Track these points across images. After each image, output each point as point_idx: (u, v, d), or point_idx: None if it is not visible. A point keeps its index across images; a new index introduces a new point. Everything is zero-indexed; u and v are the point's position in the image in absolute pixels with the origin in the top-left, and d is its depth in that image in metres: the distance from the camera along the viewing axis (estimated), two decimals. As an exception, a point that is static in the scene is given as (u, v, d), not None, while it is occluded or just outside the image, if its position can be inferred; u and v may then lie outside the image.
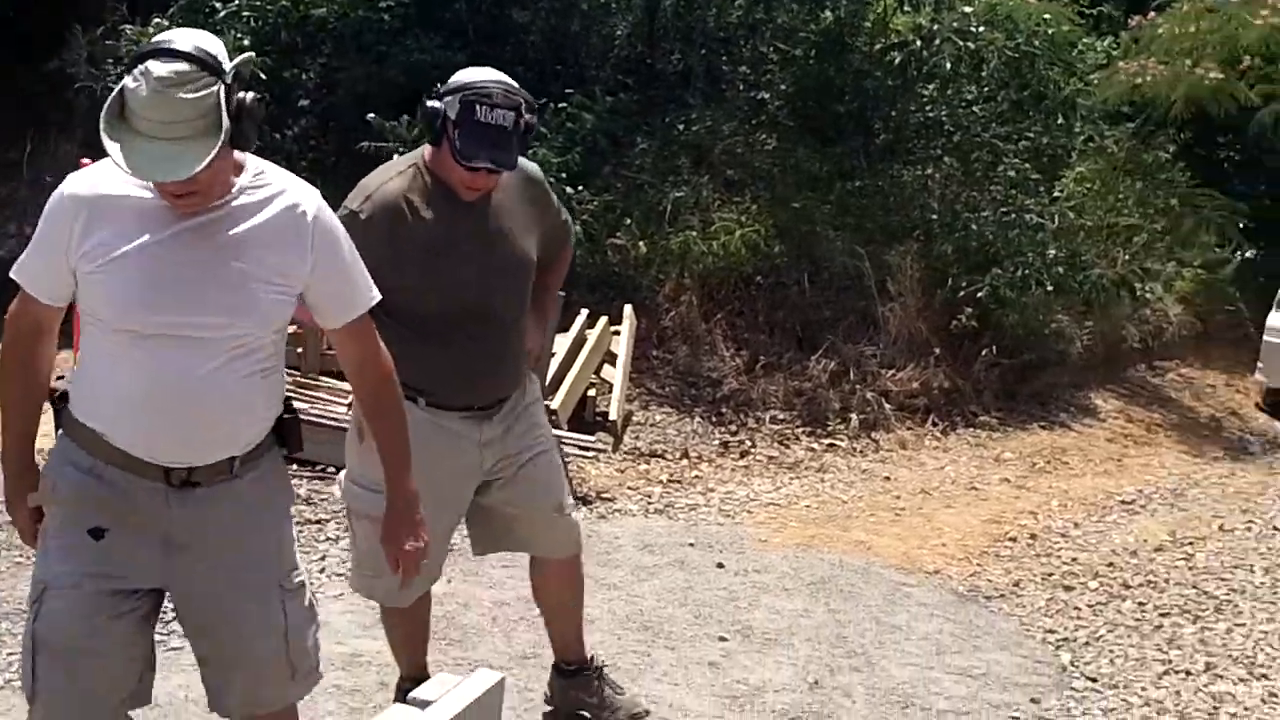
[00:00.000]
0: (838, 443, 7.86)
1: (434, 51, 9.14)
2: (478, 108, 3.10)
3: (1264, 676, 4.69)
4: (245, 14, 9.37)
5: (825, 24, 10.13)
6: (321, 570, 4.97)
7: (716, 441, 7.59)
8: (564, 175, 8.45)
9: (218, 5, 9.38)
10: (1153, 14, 10.76)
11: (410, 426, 2.74)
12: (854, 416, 8.06)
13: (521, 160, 3.31)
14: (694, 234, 8.61)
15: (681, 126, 9.59)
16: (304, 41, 9.62)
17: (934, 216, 9.54)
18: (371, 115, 8.41)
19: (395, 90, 9.05)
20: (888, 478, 7.34)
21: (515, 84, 3.21)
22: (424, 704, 1.76)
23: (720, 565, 5.42)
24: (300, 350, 6.82)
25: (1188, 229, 10.77)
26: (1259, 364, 10.76)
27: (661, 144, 9.39)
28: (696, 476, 7.02)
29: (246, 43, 9.17)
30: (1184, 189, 11.33)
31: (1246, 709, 4.40)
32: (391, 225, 3.14)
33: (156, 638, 2.61)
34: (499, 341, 3.31)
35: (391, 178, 3.22)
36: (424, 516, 2.73)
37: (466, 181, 3.17)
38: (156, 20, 9.38)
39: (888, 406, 8.25)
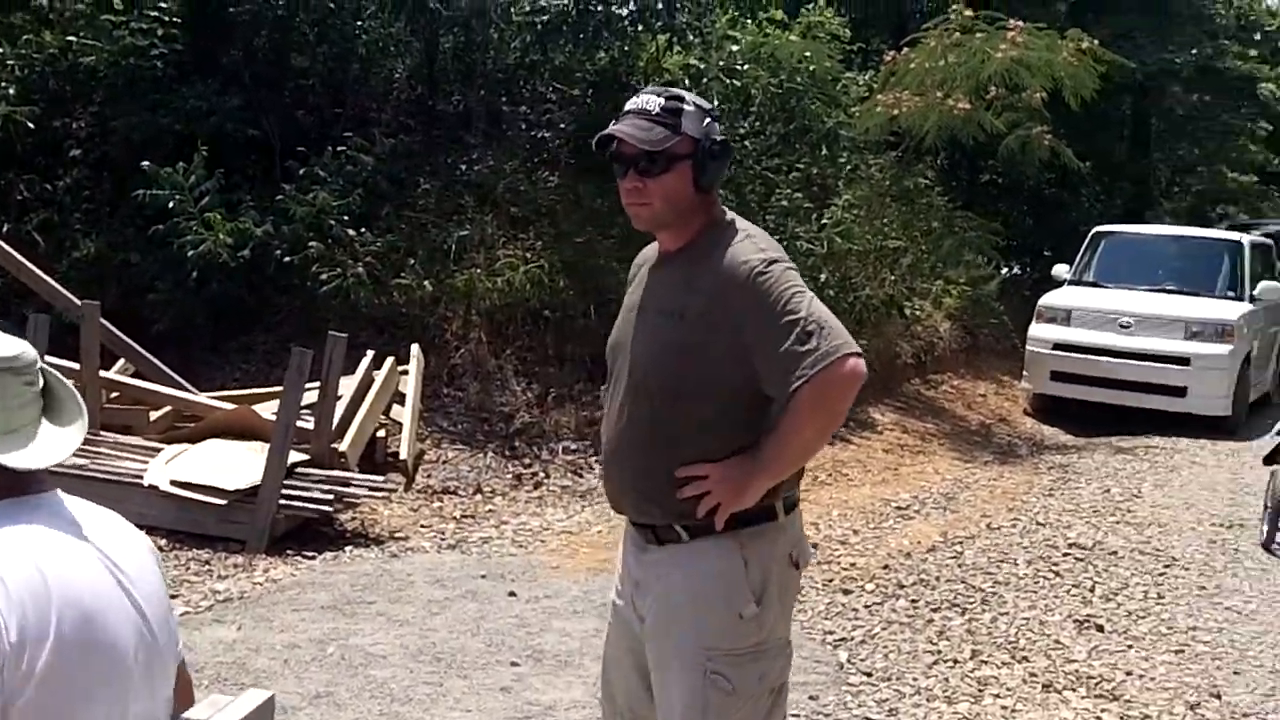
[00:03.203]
0: (628, 469, 7.99)
1: (210, 98, 9.04)
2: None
3: (1025, 659, 5.01)
4: (10, 62, 9.11)
5: (600, 64, 10.40)
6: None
7: (510, 475, 7.67)
8: (345, 218, 8.45)
9: (-21, 54, 9.12)
10: (906, 49, 11.31)
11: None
12: (644, 444, 8.20)
13: (733, 249, 2.49)
14: (479, 272, 8.68)
15: (464, 166, 9.66)
16: (74, 90, 9.41)
17: (712, 246, 9.79)
18: (147, 163, 8.30)
19: (171, 137, 8.95)
20: (677, 498, 7.51)
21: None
22: (193, 726, 1.80)
23: (512, 594, 5.54)
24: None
25: (948, 249, 11.30)
26: (1024, 372, 11.44)
27: (444, 184, 9.44)
28: (490, 510, 7.10)
29: (12, 92, 8.94)
30: (944, 211, 11.93)
31: (1009, 689, 4.69)
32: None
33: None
34: (626, 440, 2.58)
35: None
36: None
37: (623, 198, 2.60)
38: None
39: (677, 431, 8.41)
